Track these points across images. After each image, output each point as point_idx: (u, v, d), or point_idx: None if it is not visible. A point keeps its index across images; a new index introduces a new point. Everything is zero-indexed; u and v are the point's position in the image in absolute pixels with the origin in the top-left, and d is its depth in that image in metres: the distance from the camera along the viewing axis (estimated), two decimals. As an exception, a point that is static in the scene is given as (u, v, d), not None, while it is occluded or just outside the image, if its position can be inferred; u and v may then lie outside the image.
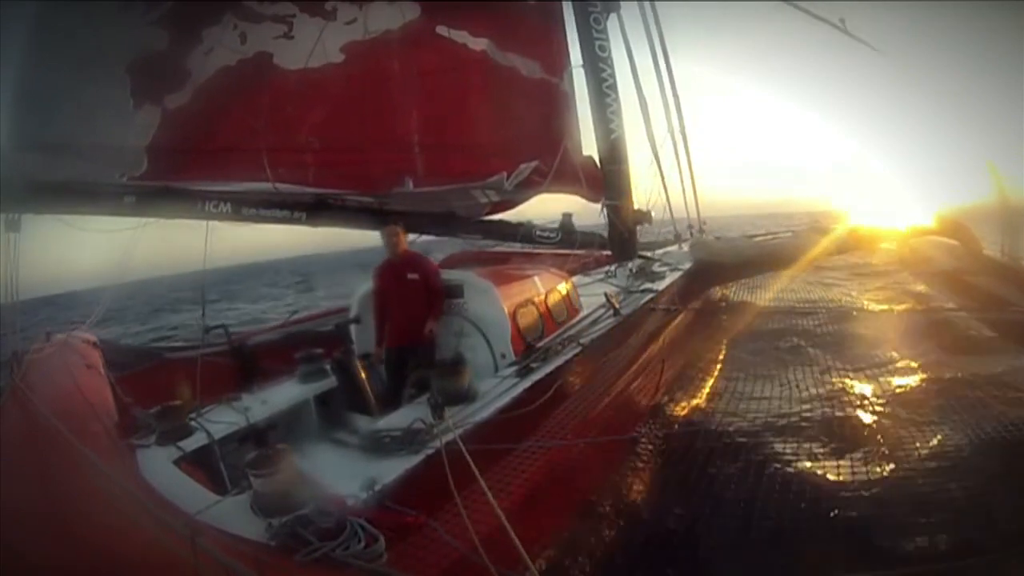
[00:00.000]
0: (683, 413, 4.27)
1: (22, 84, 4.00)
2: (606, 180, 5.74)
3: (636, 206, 6.08)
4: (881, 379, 4.82)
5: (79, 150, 4.12)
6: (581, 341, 3.62)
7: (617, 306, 4.30)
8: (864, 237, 7.20)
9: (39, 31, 4.00)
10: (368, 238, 4.81)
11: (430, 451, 2.23)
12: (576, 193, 5.68)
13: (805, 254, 6.85)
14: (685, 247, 7.13)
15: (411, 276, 3.54)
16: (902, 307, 7.34)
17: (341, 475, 2.07)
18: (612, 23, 5.87)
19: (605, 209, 5.79)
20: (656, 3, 6.68)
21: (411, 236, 4.51)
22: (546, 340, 3.68)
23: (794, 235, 8.09)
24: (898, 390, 4.54)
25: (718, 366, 5.53)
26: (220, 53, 4.52)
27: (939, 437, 3.62)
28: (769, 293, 8.04)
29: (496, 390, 2.89)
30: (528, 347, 3.50)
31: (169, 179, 4.44)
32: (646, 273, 5.60)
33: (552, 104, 5.53)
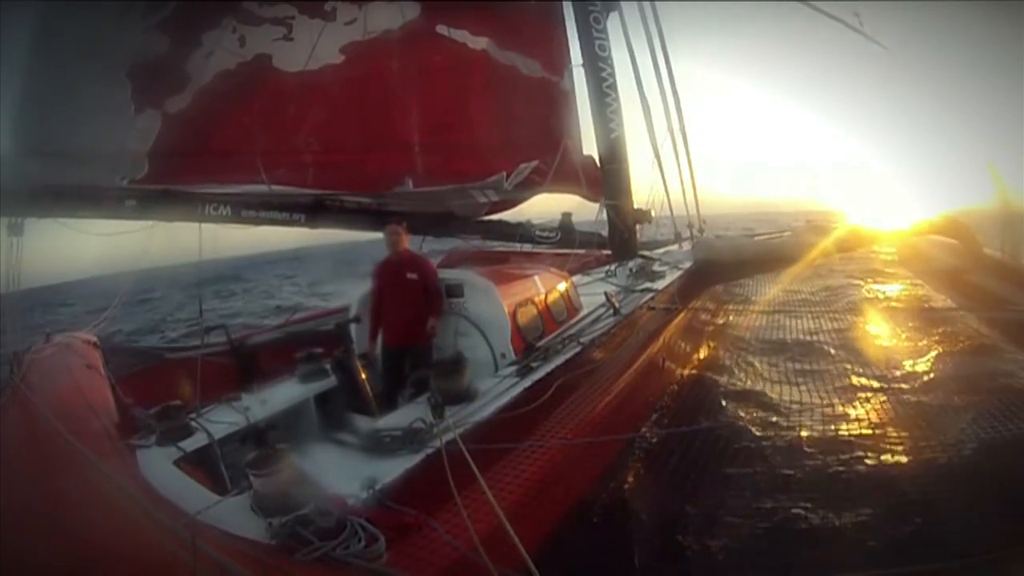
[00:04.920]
0: (683, 413, 4.27)
1: (24, 89, 4.01)
2: (606, 179, 5.74)
3: (636, 205, 6.08)
4: (881, 378, 4.82)
5: (81, 154, 4.13)
6: (581, 341, 3.61)
7: (617, 306, 4.30)
8: (864, 236, 7.20)
9: (41, 37, 4.01)
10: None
11: (430, 451, 2.23)
12: (576, 193, 5.68)
13: (806, 253, 6.85)
14: (685, 246, 7.13)
15: (410, 276, 3.55)
16: (902, 306, 7.33)
17: (341, 475, 2.07)
18: (612, 23, 5.87)
19: (605, 209, 5.79)
20: (656, 3, 6.67)
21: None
22: (546, 339, 3.68)
23: (794, 234, 8.08)
24: (898, 389, 4.53)
25: (718, 366, 5.53)
26: (220, 56, 4.53)
27: (939, 436, 3.61)
28: (770, 292, 8.04)
29: (496, 390, 2.89)
30: (528, 346, 3.50)
31: (170, 182, 4.45)
32: (646, 272, 5.59)
33: (552, 103, 5.53)
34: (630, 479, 3.21)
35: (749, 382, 4.99)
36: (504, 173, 5.29)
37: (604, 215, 5.84)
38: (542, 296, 4.00)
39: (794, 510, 2.98)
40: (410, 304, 3.53)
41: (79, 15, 4.12)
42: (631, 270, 5.73)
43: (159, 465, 2.23)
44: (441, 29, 5.16)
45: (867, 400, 4.41)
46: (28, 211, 3.93)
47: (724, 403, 4.51)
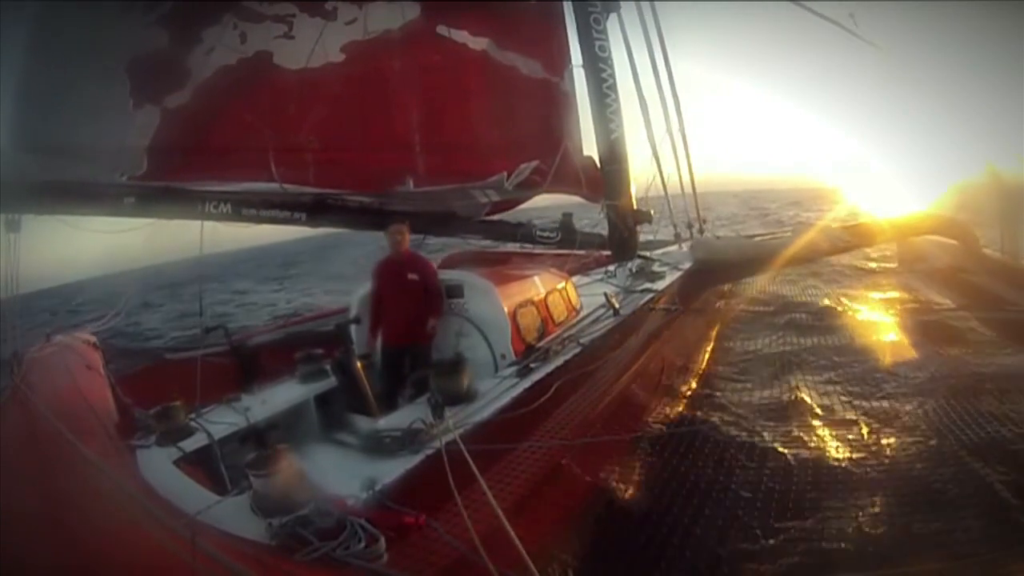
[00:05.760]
0: (683, 413, 4.27)
1: (22, 84, 4.00)
2: (606, 180, 5.74)
3: (636, 206, 6.08)
4: (881, 379, 4.81)
5: (79, 151, 4.12)
6: (581, 341, 3.62)
7: (617, 306, 4.30)
8: (865, 235, 7.22)
9: (39, 32, 4.00)
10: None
11: (430, 451, 2.23)
12: (576, 193, 5.68)
13: (806, 253, 6.85)
14: (685, 247, 7.13)
15: (411, 276, 3.55)
16: (901, 307, 7.34)
17: (341, 475, 2.08)
18: (612, 23, 5.87)
19: (605, 209, 5.79)
20: (656, 3, 6.68)
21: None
22: (546, 340, 3.68)
23: (795, 234, 8.09)
24: (898, 390, 4.53)
25: (718, 366, 5.53)
26: (220, 53, 4.52)
27: (937, 436, 3.61)
28: (769, 293, 8.05)
29: (496, 390, 2.89)
30: (528, 347, 3.50)
31: (169, 179, 4.44)
32: (646, 273, 5.59)
33: (552, 104, 5.52)
34: (630, 479, 3.20)
35: (749, 382, 4.99)
36: (505, 173, 5.29)
37: (604, 215, 5.85)
38: (542, 297, 4.00)
39: (794, 510, 2.98)
40: (410, 304, 3.53)
41: (78, 11, 4.11)
42: (631, 270, 5.73)
43: (159, 465, 2.23)
44: (441, 30, 5.15)
45: (866, 399, 4.41)
46: (26, 207, 3.91)
47: (724, 403, 4.50)
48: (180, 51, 4.41)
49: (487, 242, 5.83)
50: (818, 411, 4.26)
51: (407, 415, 2.64)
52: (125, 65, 4.23)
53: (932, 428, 3.76)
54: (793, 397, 4.57)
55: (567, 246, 5.58)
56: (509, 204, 5.56)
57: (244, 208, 4.63)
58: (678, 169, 6.93)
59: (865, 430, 3.88)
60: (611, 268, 5.89)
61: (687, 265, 6.19)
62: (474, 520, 1.65)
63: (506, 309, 3.57)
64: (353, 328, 3.85)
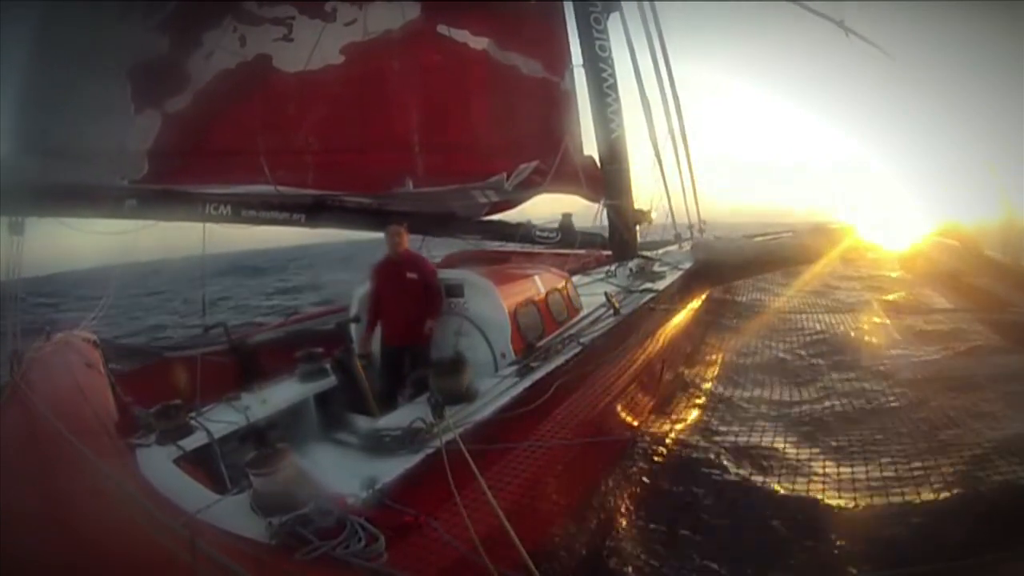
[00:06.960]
0: (682, 413, 4.27)
1: (25, 88, 4.01)
2: (606, 180, 5.75)
3: (636, 206, 6.09)
4: (881, 380, 4.81)
5: (81, 154, 4.12)
6: (581, 341, 3.62)
7: (617, 306, 4.31)
8: (864, 241, 7.24)
9: (41, 36, 4.01)
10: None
11: (430, 451, 2.23)
12: (576, 193, 5.69)
13: (805, 254, 6.87)
14: (685, 247, 7.14)
15: (410, 276, 3.55)
16: (902, 308, 7.34)
17: (341, 474, 2.07)
18: (612, 23, 5.89)
19: (605, 209, 5.80)
20: (656, 3, 6.70)
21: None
22: (546, 340, 3.68)
23: (794, 235, 8.10)
24: (898, 391, 4.53)
25: (718, 366, 5.53)
26: (220, 56, 4.52)
27: (938, 437, 3.61)
28: (769, 293, 8.06)
29: (496, 390, 2.89)
30: (528, 347, 3.50)
31: (169, 182, 4.45)
32: (646, 273, 5.60)
33: (553, 104, 5.53)
34: (629, 479, 3.21)
35: (748, 382, 4.99)
36: (505, 173, 5.30)
37: (604, 215, 5.86)
38: (542, 296, 4.00)
39: (794, 511, 2.98)
40: (410, 304, 3.53)
41: (80, 15, 4.12)
42: (631, 270, 5.74)
43: (159, 464, 2.23)
44: (442, 29, 5.16)
45: (867, 400, 4.40)
46: (28, 210, 3.92)
47: (724, 403, 4.50)
48: (180, 55, 4.42)
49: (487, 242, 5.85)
50: (818, 411, 4.26)
51: (407, 414, 2.64)
52: (126, 69, 4.24)
53: (932, 429, 3.76)
54: (793, 396, 4.57)
55: (567, 246, 5.59)
56: (509, 204, 5.57)
57: (244, 210, 4.64)
58: (679, 169, 6.96)
59: (866, 430, 3.88)
60: (611, 268, 5.89)
61: (687, 265, 6.19)
62: (474, 520, 1.65)
63: (506, 308, 3.57)
64: (353, 327, 3.85)
